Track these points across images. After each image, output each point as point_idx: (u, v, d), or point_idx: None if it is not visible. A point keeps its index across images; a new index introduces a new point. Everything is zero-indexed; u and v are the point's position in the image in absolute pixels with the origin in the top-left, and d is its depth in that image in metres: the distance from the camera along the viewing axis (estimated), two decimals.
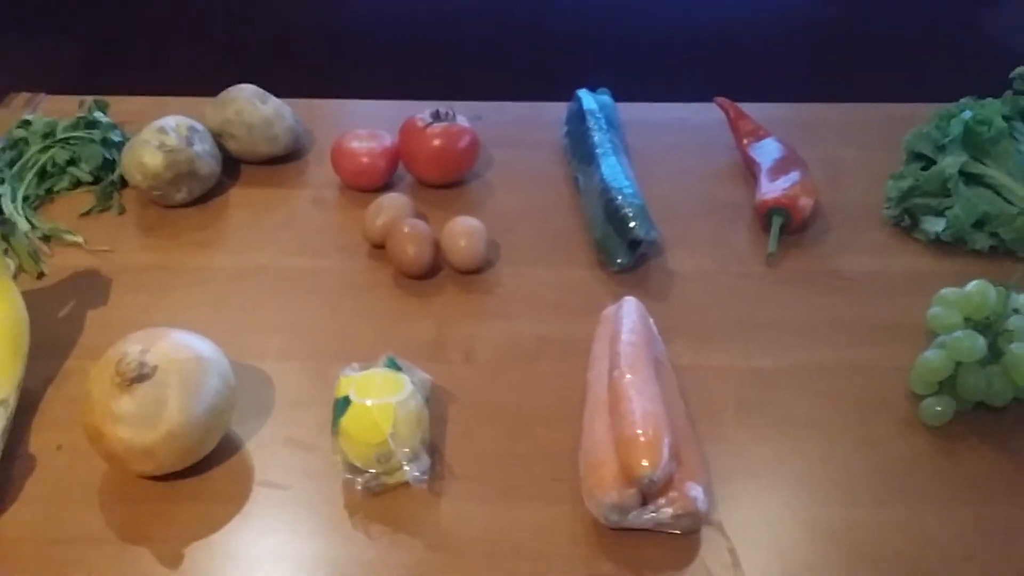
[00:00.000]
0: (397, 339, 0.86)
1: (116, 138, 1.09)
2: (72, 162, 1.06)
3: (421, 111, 1.05)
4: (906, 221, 0.99)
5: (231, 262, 0.96)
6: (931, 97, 1.09)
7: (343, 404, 0.72)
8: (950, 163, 0.96)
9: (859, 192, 1.05)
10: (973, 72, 1.06)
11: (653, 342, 0.81)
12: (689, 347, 0.86)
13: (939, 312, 0.82)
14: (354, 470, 0.72)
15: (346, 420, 0.72)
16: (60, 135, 1.08)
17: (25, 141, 1.08)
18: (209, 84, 1.09)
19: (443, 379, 0.82)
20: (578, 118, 1.09)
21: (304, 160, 1.11)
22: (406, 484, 0.72)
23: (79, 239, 0.98)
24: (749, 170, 1.07)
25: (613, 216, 0.94)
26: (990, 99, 1.01)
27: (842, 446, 0.77)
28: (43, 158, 1.06)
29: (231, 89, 1.08)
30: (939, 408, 0.78)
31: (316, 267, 0.95)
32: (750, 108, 1.11)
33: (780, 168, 1.02)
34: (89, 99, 1.14)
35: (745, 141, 1.08)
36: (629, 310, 0.83)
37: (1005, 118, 0.97)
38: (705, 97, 1.14)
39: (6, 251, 0.94)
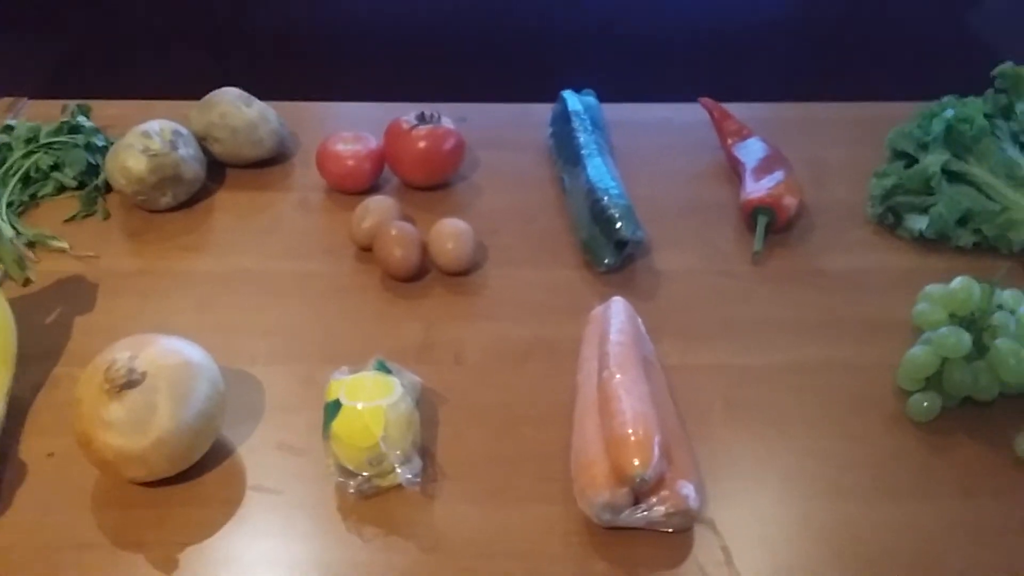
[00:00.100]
0: (386, 342, 0.86)
1: (100, 143, 1.08)
2: (56, 167, 1.05)
3: (406, 113, 1.05)
4: (890, 219, 1.00)
5: (217, 266, 0.96)
6: (913, 96, 1.10)
7: (334, 407, 0.72)
8: (933, 161, 0.97)
9: (843, 191, 1.05)
10: (955, 71, 1.07)
11: (641, 342, 0.81)
12: (677, 346, 0.86)
13: (924, 309, 0.83)
14: (346, 473, 0.72)
15: (337, 424, 0.72)
16: (43, 140, 1.07)
17: (8, 147, 1.07)
18: (193, 88, 1.09)
19: (433, 381, 0.82)
20: (563, 119, 1.09)
21: (289, 163, 1.11)
22: (398, 487, 0.72)
23: (64, 245, 0.97)
24: (734, 170, 1.07)
25: (599, 217, 0.94)
26: (972, 97, 1.02)
27: (831, 442, 0.78)
28: (27, 163, 1.05)
29: (215, 92, 1.08)
30: (926, 404, 0.78)
31: (303, 270, 0.95)
32: (734, 108, 1.12)
33: (764, 167, 1.02)
34: (72, 103, 1.13)
35: (729, 141, 1.09)
36: (617, 310, 0.83)
37: (987, 116, 0.98)
38: (690, 97, 1.14)
39: None
